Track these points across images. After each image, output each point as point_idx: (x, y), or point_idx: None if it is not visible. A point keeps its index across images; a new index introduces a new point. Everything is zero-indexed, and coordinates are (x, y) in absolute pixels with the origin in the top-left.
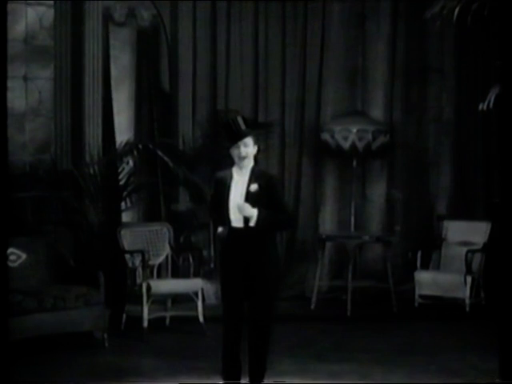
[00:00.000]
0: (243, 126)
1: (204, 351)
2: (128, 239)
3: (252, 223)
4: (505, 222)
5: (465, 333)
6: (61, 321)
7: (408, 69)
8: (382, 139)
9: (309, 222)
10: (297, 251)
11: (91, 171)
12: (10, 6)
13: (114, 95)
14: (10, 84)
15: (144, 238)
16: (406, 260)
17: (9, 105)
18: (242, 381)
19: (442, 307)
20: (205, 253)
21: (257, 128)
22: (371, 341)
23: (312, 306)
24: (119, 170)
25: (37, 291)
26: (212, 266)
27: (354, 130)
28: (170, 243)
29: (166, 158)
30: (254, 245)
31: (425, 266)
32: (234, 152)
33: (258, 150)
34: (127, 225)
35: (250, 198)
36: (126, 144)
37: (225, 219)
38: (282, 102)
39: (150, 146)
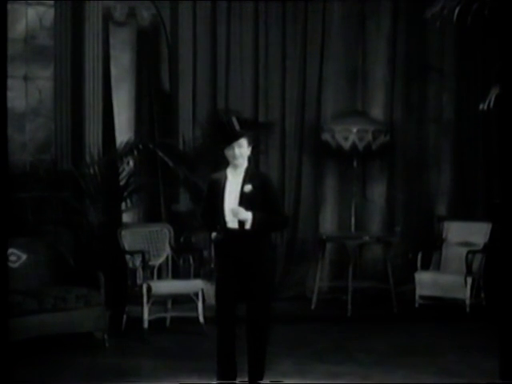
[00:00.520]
0: (237, 127)
1: (204, 352)
2: (128, 240)
3: (247, 226)
4: (505, 223)
5: (465, 333)
6: (61, 321)
7: (408, 69)
8: (382, 139)
9: (309, 223)
10: (297, 252)
11: (91, 171)
12: (10, 6)
13: (114, 95)
14: (10, 84)
15: (144, 239)
16: (407, 260)
17: (9, 105)
18: (238, 380)
19: (442, 308)
20: (205, 253)
21: (252, 129)
22: (371, 341)
23: (312, 307)
24: (119, 171)
25: (37, 292)
26: (212, 266)
27: (355, 130)
28: (170, 244)
29: (166, 158)
30: (250, 246)
31: (425, 267)
32: (228, 153)
33: (258, 151)
34: (127, 225)
35: (244, 198)
36: (126, 144)
37: (218, 223)
38: (282, 102)
39: (150, 146)
